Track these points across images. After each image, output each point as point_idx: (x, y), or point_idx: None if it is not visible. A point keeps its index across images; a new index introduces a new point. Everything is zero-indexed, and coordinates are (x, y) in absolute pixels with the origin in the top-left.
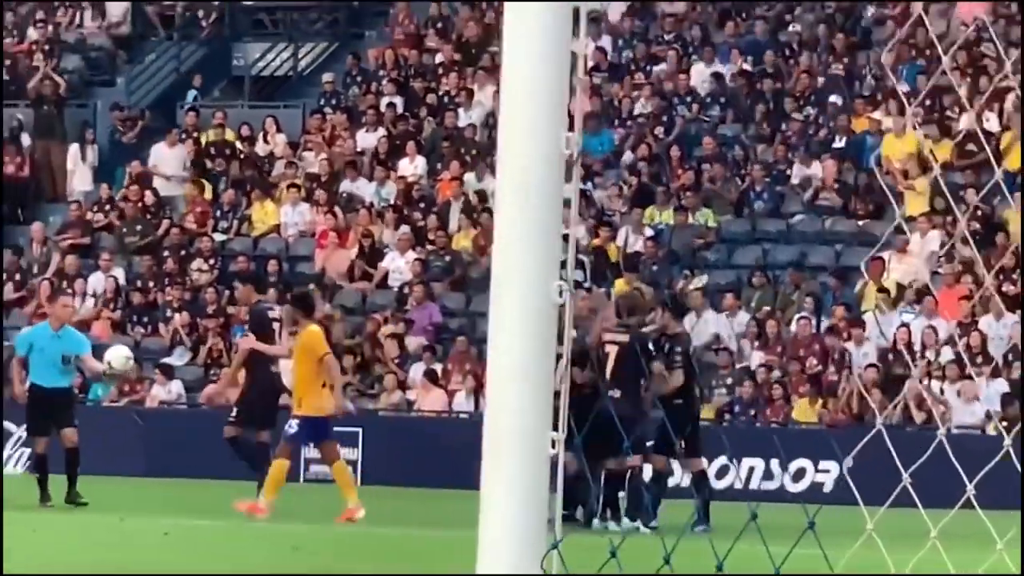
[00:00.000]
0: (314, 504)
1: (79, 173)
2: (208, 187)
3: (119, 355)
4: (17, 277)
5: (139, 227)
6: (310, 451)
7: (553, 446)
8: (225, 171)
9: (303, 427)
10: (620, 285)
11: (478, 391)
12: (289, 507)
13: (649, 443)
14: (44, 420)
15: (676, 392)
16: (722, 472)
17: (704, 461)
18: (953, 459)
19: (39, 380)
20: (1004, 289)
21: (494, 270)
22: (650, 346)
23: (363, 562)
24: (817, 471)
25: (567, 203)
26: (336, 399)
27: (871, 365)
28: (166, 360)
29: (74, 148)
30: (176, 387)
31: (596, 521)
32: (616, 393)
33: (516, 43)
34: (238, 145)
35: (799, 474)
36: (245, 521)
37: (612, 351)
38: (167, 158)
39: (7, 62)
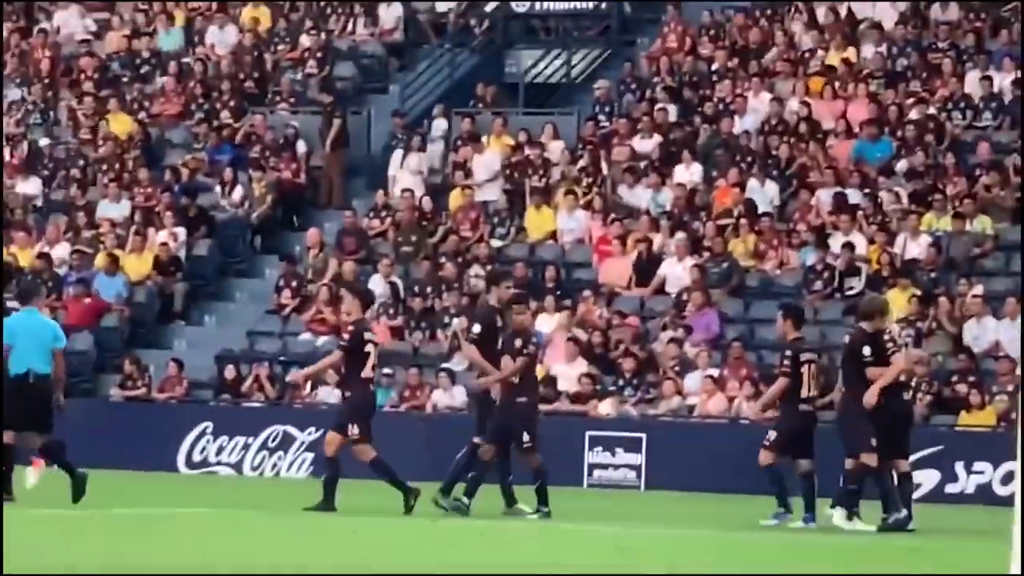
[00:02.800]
0: (612, 509)
1: (401, 177)
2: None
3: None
4: (293, 284)
5: (414, 236)
6: (594, 456)
7: None
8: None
9: None
10: (896, 294)
11: (759, 396)
12: (582, 510)
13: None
14: None
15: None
16: (1008, 478)
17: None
18: None
19: None
20: None
21: None
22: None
23: (691, 561)
24: None
25: None
26: None
27: None
28: (447, 365)
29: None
30: (459, 392)
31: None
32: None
33: None
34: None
35: None
36: (556, 521)
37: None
38: (481, 164)
39: (275, 69)
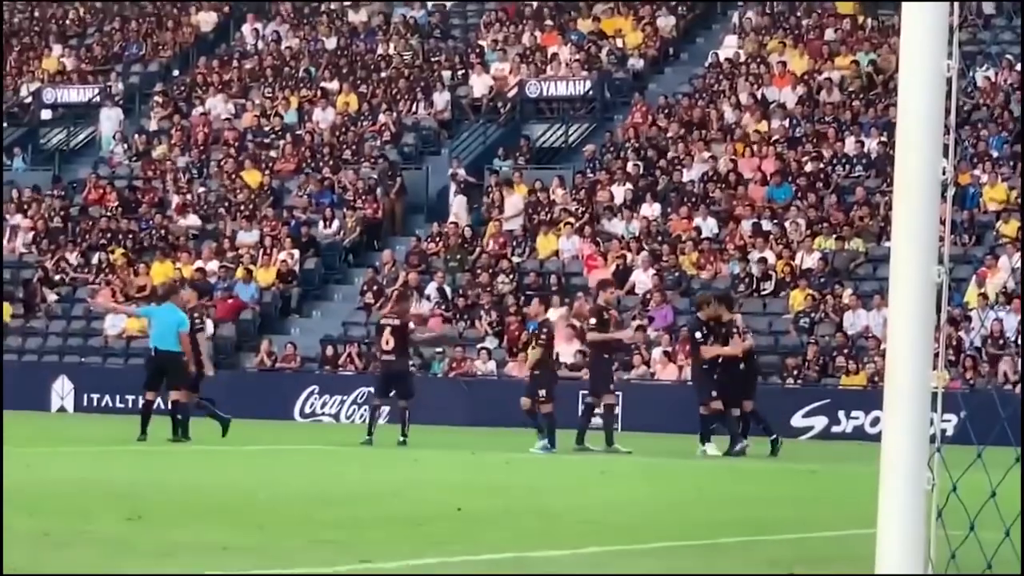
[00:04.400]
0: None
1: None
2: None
3: None
4: (374, 288)
5: (459, 254)
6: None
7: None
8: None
9: None
10: (796, 293)
11: None
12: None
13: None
14: None
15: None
16: (875, 421)
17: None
18: None
19: None
20: None
21: (893, 259)
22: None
23: (650, 482)
24: (942, 420)
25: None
26: None
27: (976, 347)
28: (484, 345)
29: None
30: (491, 364)
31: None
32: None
33: (908, 108)
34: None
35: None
36: (560, 453)
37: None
38: (510, 204)
39: (361, 138)
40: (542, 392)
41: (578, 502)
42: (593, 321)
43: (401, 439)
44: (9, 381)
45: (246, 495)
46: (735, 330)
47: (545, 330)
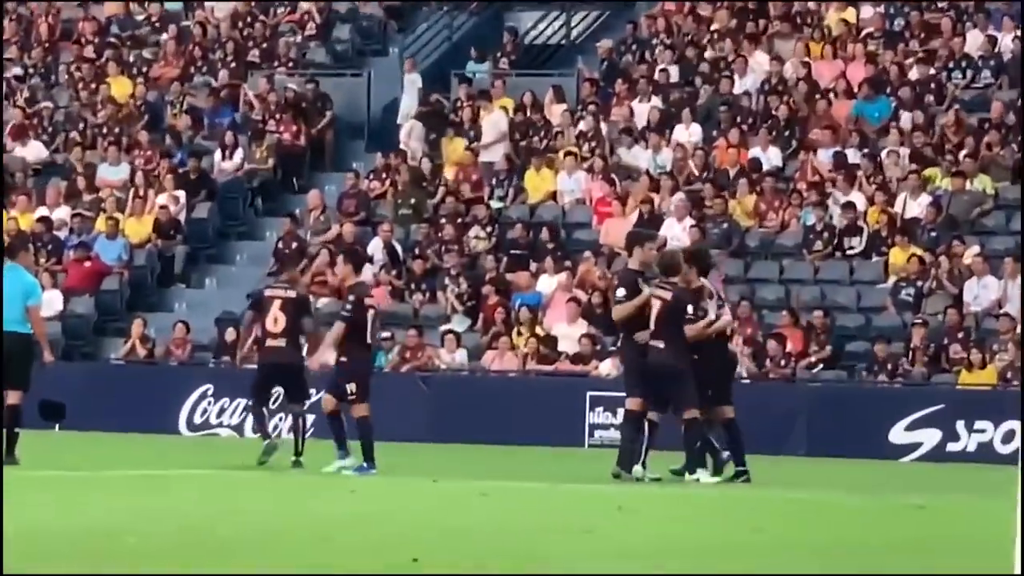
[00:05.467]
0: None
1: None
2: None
3: None
4: (294, 245)
5: (413, 198)
6: (595, 416)
7: None
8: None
9: None
10: (896, 254)
11: (758, 353)
12: (582, 470)
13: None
14: None
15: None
16: (1008, 436)
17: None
18: None
19: None
20: None
21: None
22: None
23: (684, 521)
24: None
25: None
26: None
27: None
28: (449, 327)
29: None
30: (460, 355)
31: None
32: (660, 345)
33: None
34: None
35: None
36: (559, 483)
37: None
38: (488, 125)
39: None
40: (350, 386)
41: (582, 549)
42: (623, 292)
43: (295, 459)
44: None
45: (109, 539)
46: (711, 301)
47: (352, 297)
